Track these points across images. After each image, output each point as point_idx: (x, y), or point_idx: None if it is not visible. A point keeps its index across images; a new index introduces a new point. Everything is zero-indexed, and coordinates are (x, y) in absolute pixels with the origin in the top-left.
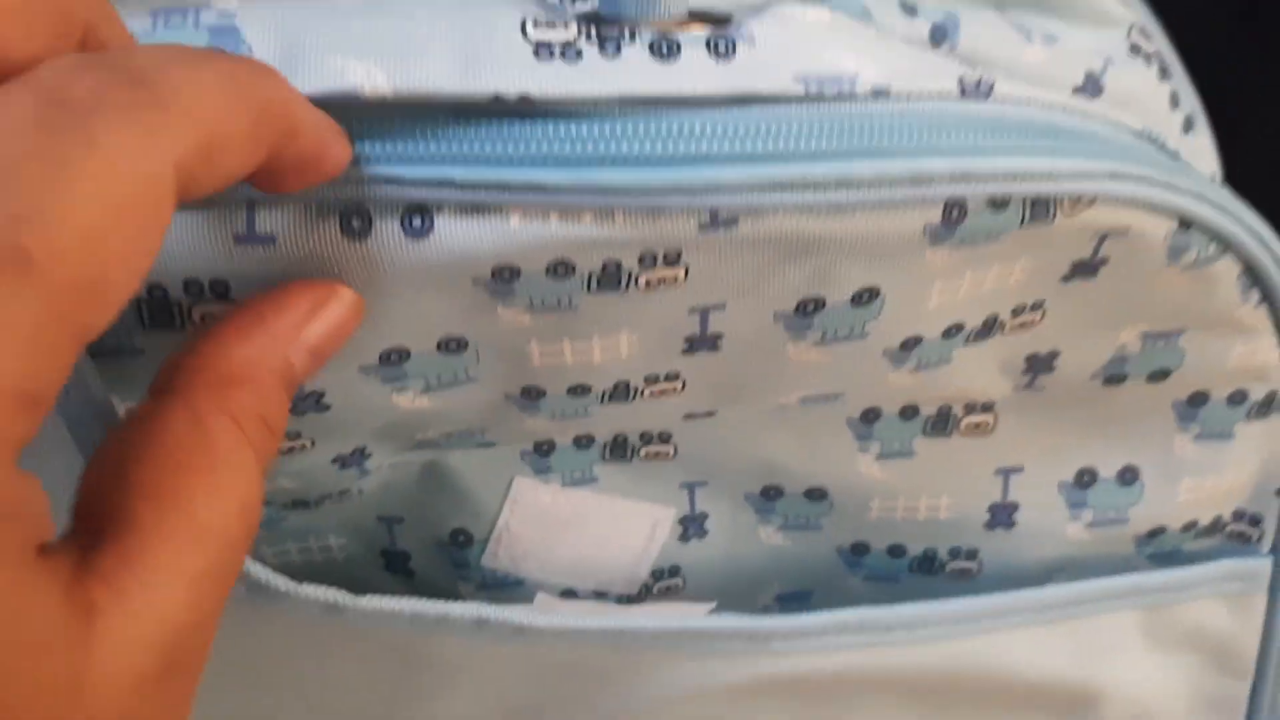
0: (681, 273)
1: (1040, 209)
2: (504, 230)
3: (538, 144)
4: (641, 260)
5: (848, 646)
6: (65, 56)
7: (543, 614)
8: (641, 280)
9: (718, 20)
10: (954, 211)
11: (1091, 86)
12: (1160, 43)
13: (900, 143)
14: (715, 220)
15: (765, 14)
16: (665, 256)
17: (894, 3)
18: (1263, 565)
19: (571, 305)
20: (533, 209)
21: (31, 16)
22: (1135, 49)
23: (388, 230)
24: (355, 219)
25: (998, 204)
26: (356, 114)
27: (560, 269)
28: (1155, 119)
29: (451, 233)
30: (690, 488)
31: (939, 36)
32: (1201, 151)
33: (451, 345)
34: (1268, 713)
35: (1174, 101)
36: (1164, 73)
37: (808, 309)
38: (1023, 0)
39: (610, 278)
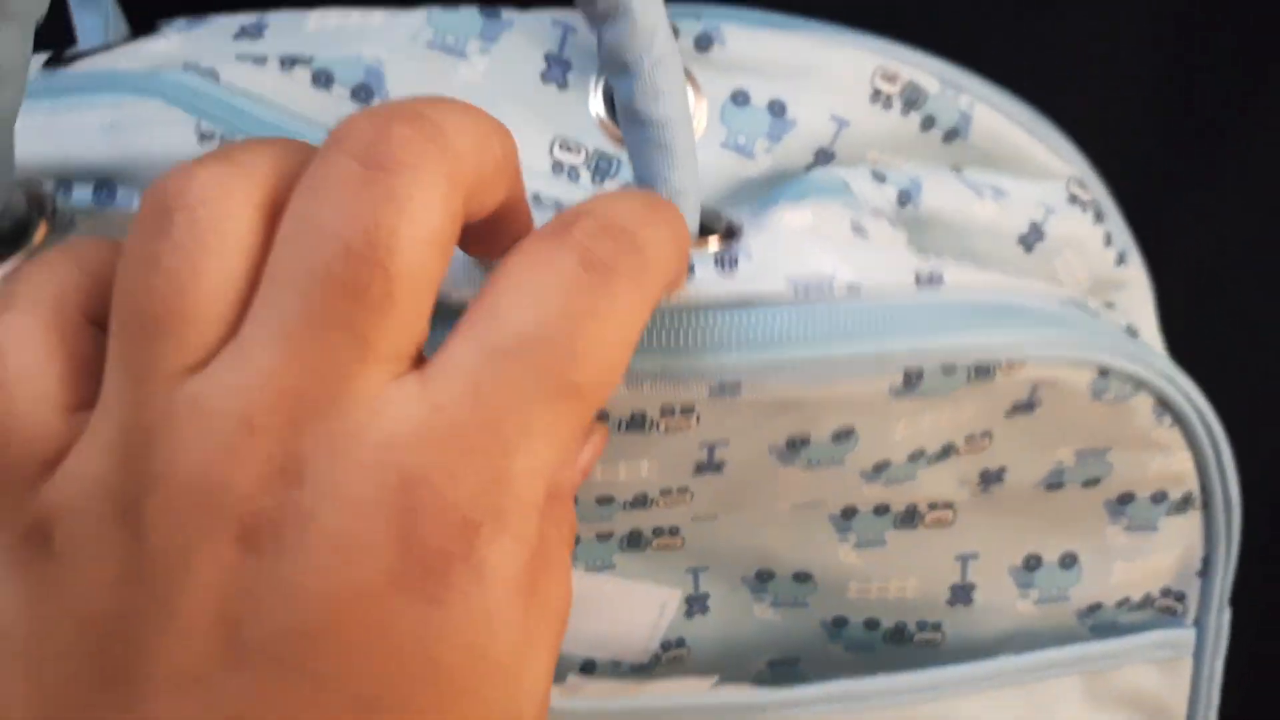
0: (694, 420)
1: (982, 372)
2: None
3: None
4: (662, 411)
5: (830, 713)
6: (586, 218)
7: (574, 698)
8: (661, 425)
9: (725, 233)
10: (912, 376)
11: (1035, 233)
12: (1097, 190)
13: (869, 329)
14: (722, 388)
15: (761, 227)
16: (681, 409)
17: (867, 171)
18: (1188, 635)
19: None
20: None
21: (503, 179)
22: (1073, 198)
23: None
24: None
25: (948, 370)
26: None
27: (598, 415)
28: (1091, 256)
29: None
30: (695, 572)
31: (904, 199)
32: (1133, 280)
33: None
34: None
35: (1108, 240)
36: (1099, 217)
37: (796, 444)
38: (976, 159)
39: (636, 422)
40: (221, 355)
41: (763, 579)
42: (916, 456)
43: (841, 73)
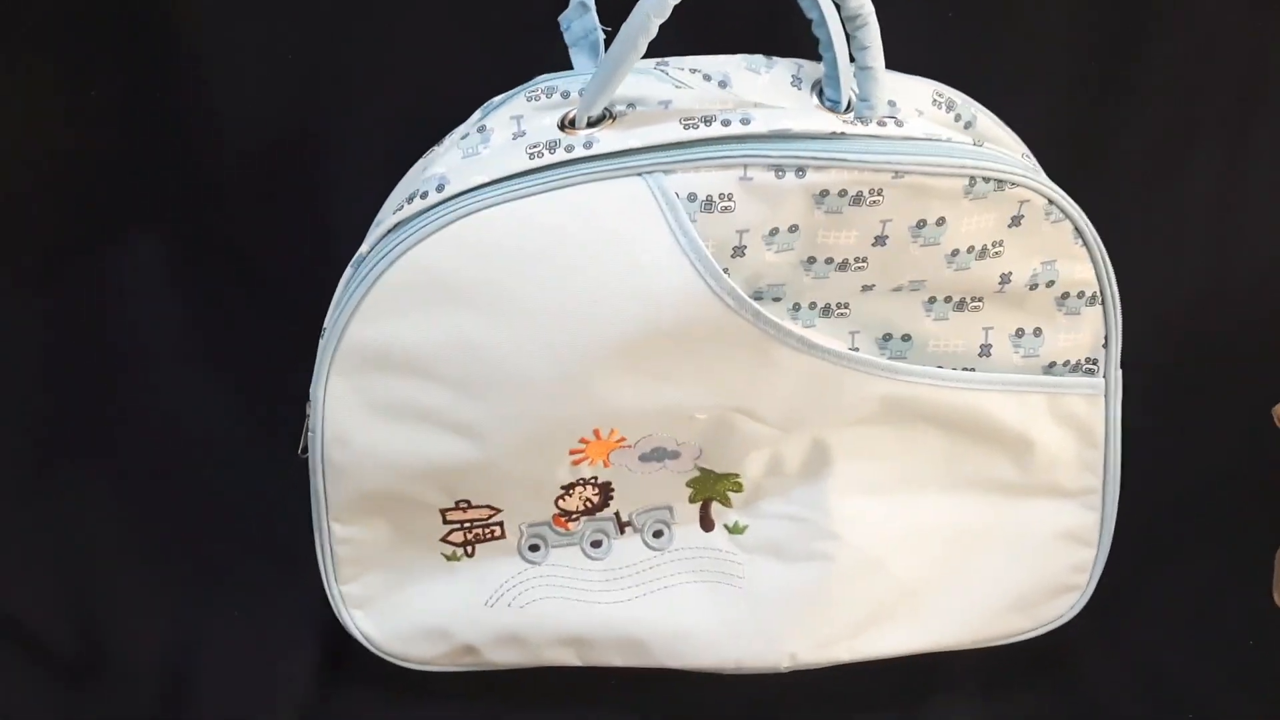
0: (881, 198)
1: (999, 184)
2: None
3: None
4: (870, 190)
5: (917, 381)
6: None
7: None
8: (867, 199)
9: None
10: (973, 180)
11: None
12: (1032, 158)
13: (959, 154)
14: (897, 174)
15: (907, 117)
16: (875, 190)
17: (947, 114)
18: (1100, 383)
19: (837, 210)
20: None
21: None
22: (1027, 156)
23: None
24: None
25: (987, 179)
26: None
27: (823, 195)
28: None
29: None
30: (853, 333)
31: (965, 125)
32: None
33: (789, 229)
34: (1112, 470)
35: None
36: (1029, 157)
37: (920, 224)
38: (978, 138)
39: (855, 199)
40: None
41: (886, 339)
42: (970, 250)
43: (919, 91)
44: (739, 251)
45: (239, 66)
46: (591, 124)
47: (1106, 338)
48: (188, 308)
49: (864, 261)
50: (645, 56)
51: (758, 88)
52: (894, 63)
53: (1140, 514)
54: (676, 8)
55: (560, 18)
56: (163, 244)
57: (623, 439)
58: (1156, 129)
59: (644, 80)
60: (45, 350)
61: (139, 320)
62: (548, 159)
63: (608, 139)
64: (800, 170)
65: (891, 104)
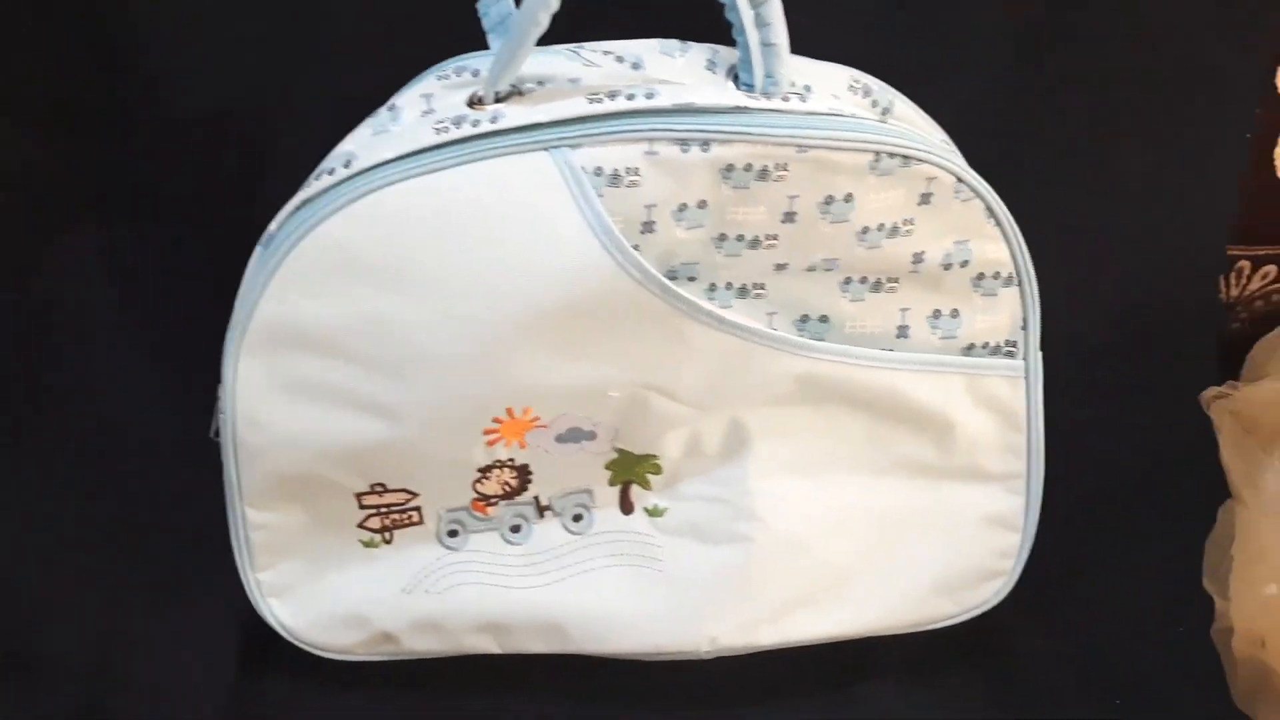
0: (787, 173)
1: (905, 160)
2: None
3: None
4: (775, 165)
5: (835, 359)
6: None
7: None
8: (773, 174)
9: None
10: (879, 155)
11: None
12: (952, 145)
13: (864, 130)
14: (801, 148)
15: (813, 94)
16: (780, 164)
17: (864, 99)
18: (1020, 365)
19: (745, 185)
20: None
21: None
22: (946, 143)
23: None
24: None
25: (892, 155)
26: None
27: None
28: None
29: None
30: (770, 314)
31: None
32: None
33: (698, 204)
34: (1036, 454)
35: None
36: (949, 143)
37: (828, 200)
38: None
39: (761, 174)
40: None
41: (804, 320)
42: (880, 228)
43: (836, 77)
44: (648, 227)
45: (177, 53)
46: (499, 100)
47: (1025, 319)
48: (124, 297)
49: (775, 239)
50: (557, 41)
51: (673, 71)
52: (816, 51)
53: (1070, 500)
54: None
55: (479, 3)
56: (98, 234)
57: (537, 418)
58: (1084, 114)
59: (554, 59)
60: None
61: (73, 310)
62: (454, 134)
63: (514, 114)
64: (705, 144)
65: (806, 87)
